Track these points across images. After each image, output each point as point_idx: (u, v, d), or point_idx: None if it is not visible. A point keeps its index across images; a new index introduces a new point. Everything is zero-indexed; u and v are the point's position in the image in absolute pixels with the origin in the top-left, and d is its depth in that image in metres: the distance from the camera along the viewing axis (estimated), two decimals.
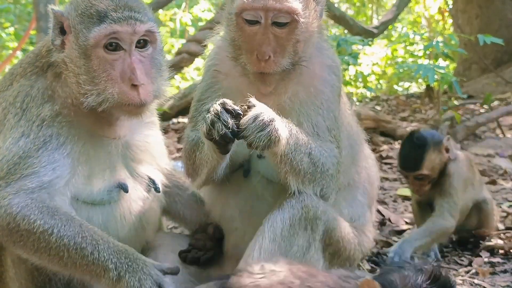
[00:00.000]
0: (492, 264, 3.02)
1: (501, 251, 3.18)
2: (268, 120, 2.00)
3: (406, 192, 4.65)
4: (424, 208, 3.28)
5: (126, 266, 1.96)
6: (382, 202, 4.20)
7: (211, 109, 1.99)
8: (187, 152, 2.37)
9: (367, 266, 2.93)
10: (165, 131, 2.51)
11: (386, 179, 4.98)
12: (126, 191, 2.20)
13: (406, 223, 3.76)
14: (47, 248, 1.95)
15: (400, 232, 3.67)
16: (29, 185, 2.00)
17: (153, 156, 2.38)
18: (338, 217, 2.31)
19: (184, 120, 6.86)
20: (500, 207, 4.44)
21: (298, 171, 2.16)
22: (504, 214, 4.03)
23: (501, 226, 3.72)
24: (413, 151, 3.04)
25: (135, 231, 2.28)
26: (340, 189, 2.39)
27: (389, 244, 3.37)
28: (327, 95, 2.30)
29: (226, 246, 2.47)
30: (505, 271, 2.89)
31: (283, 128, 2.07)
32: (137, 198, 2.27)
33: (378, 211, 3.75)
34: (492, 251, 3.19)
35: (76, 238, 1.96)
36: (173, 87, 12.36)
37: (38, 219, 1.95)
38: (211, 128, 1.97)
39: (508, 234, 3.40)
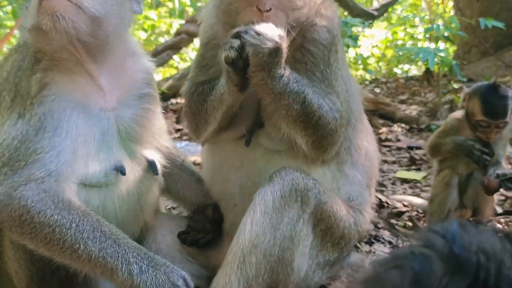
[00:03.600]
0: None
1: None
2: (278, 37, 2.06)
3: (405, 174, 4.67)
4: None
5: (148, 261, 1.95)
6: (381, 184, 4.20)
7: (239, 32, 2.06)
8: (193, 103, 2.38)
9: (365, 248, 2.94)
10: (163, 111, 2.50)
11: (385, 161, 4.99)
12: (123, 173, 2.18)
13: (404, 205, 3.77)
14: (61, 241, 1.93)
15: (399, 214, 3.69)
16: (37, 175, 1.98)
17: (151, 132, 2.36)
18: (330, 192, 2.29)
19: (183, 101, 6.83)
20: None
21: (294, 116, 2.18)
22: (503, 197, 4.05)
23: (499, 210, 3.75)
24: (500, 101, 3.26)
25: (133, 212, 2.27)
26: (338, 164, 2.39)
27: (390, 226, 3.38)
28: (329, 54, 2.29)
29: (225, 226, 2.48)
30: None
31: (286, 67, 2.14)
32: (135, 180, 2.25)
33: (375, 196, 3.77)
34: None
35: (95, 232, 1.94)
36: (172, 67, 12.34)
37: (55, 214, 1.93)
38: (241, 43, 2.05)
39: (506, 219, 3.42)
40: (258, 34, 2.03)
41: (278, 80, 2.13)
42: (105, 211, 2.14)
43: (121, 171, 2.19)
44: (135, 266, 1.94)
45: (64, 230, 1.93)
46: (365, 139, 2.53)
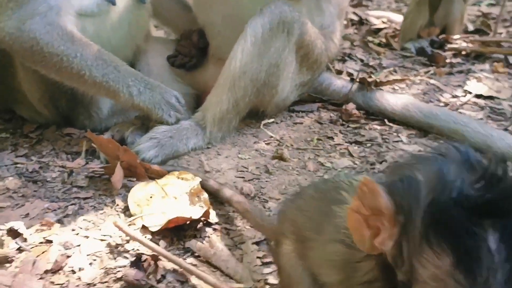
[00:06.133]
0: (452, 65, 3.33)
1: (463, 53, 3.47)
2: None
3: None
4: None
5: (144, 84, 2.29)
6: None
7: None
8: None
9: (338, 66, 3.25)
10: None
11: None
12: (114, 3, 2.41)
13: (383, 22, 3.98)
14: (68, 68, 2.21)
15: (377, 32, 3.93)
16: (40, 10, 2.19)
17: None
18: (309, 23, 2.54)
19: None
20: (479, 5, 4.64)
21: None
22: (479, 13, 4.24)
23: (470, 27, 3.97)
24: None
25: (125, 39, 2.54)
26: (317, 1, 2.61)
27: (365, 44, 3.66)
28: None
29: (210, 50, 2.76)
30: (461, 72, 3.22)
31: None
32: (125, 9, 2.48)
33: (355, 13, 3.96)
34: (456, 53, 3.49)
35: (98, 60, 2.22)
36: None
37: (61, 45, 2.19)
38: None
39: (472, 38, 3.66)
40: None
41: None
42: (100, 38, 2.39)
43: (111, 1, 2.42)
44: (134, 88, 2.28)
45: (70, 59, 2.21)
46: None
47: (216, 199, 1.94)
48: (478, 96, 2.85)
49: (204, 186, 1.93)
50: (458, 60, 3.39)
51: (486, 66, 3.27)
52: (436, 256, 0.76)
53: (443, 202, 0.76)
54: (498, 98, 2.82)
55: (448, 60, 3.37)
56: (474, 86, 2.94)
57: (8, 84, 2.49)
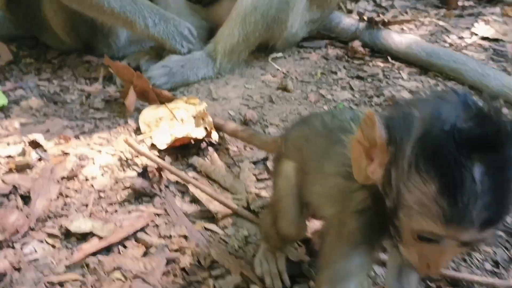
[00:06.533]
0: (463, 8, 3.37)
1: None
2: None
3: None
4: None
5: (159, 16, 2.44)
6: None
7: None
8: None
9: (349, 6, 3.33)
10: None
11: None
12: None
13: None
14: (88, 0, 2.36)
15: None
16: None
17: None
18: None
19: None
20: None
21: None
22: None
23: None
24: None
25: None
26: None
27: None
28: None
29: None
30: (471, 14, 3.26)
31: None
32: None
33: None
34: None
35: None
36: None
37: None
38: None
39: None
40: None
41: None
42: None
43: None
44: (149, 20, 2.43)
45: None
46: None
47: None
48: (484, 38, 2.92)
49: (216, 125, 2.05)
50: (470, 3, 3.43)
51: (497, 9, 3.31)
52: (423, 182, 0.81)
53: (435, 133, 0.81)
54: (503, 41, 2.88)
55: (460, 3, 3.41)
56: (482, 28, 3.01)
57: (33, 13, 2.64)
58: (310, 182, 1.22)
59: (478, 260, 1.54)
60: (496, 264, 1.53)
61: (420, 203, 0.82)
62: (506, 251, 1.57)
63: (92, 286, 1.39)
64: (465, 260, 1.54)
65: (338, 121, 1.21)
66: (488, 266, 1.52)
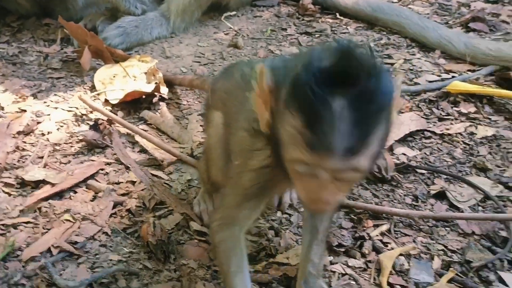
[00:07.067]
0: None
1: None
2: None
3: None
4: None
5: None
6: None
7: None
8: None
9: None
10: None
11: None
12: None
13: None
14: None
15: None
16: None
17: None
18: None
19: None
20: None
21: None
22: None
23: None
24: None
25: None
26: None
27: None
28: None
29: None
30: None
31: None
32: None
33: None
34: None
35: None
36: None
37: None
38: None
39: None
40: None
41: None
42: None
43: None
44: None
45: None
46: None
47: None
48: None
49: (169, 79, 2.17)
50: None
51: None
52: (292, 117, 0.89)
53: (302, 74, 0.87)
54: None
55: None
56: None
57: None
58: (230, 133, 1.30)
59: (399, 195, 1.69)
60: (415, 198, 1.68)
61: (290, 135, 0.90)
62: (426, 186, 1.73)
63: (43, 228, 1.52)
64: (388, 196, 1.69)
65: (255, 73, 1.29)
66: (408, 200, 1.68)
